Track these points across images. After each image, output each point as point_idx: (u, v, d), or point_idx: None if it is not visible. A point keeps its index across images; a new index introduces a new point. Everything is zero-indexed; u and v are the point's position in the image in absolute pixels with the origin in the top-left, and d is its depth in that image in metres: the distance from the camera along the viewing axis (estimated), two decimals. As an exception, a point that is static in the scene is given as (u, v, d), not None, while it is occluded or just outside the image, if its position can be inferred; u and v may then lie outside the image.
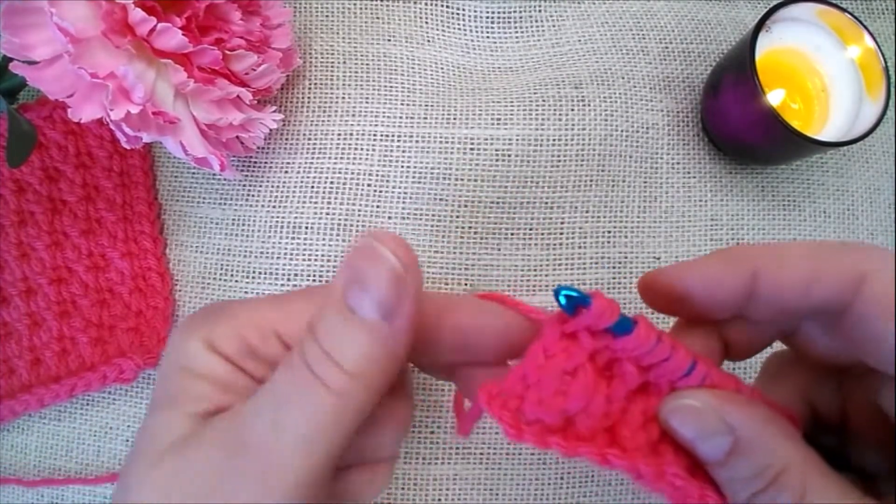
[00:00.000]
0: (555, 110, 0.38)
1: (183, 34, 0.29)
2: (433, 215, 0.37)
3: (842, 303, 0.19)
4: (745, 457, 0.19)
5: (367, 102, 0.38)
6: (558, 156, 0.38)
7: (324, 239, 0.37)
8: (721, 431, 0.19)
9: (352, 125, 0.38)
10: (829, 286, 0.19)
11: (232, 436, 0.18)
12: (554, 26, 0.41)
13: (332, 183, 0.37)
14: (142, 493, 0.18)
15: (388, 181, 0.37)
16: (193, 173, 0.39)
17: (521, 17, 0.41)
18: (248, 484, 0.17)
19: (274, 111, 0.35)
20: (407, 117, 0.38)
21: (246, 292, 0.37)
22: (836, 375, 0.22)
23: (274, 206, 0.38)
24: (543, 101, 0.38)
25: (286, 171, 0.38)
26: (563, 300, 0.19)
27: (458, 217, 0.37)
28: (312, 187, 0.37)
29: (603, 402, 0.19)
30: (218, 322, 0.20)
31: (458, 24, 0.41)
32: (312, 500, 0.18)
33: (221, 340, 0.20)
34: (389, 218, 0.37)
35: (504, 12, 0.41)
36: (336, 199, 0.37)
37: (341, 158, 0.38)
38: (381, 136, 0.38)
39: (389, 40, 0.40)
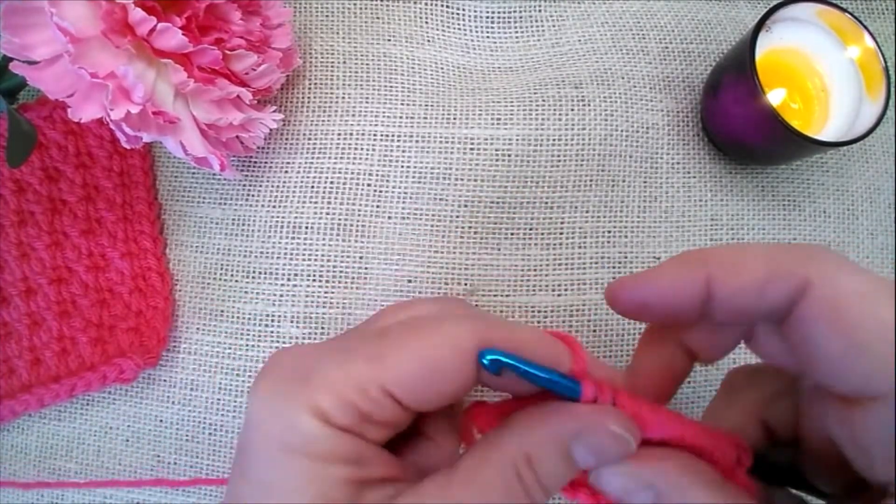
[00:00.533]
0: (555, 110, 0.38)
1: (183, 34, 0.29)
2: (433, 215, 0.37)
3: (787, 308, 0.19)
4: None
5: (367, 102, 0.38)
6: (558, 156, 0.38)
7: (324, 239, 0.37)
8: (642, 488, 0.21)
9: (352, 125, 0.38)
10: (780, 290, 0.19)
11: None
12: (554, 26, 0.41)
13: (332, 183, 0.37)
14: None
15: (388, 181, 0.37)
16: (193, 173, 0.39)
17: (521, 17, 0.41)
18: None
19: (274, 111, 0.35)
20: (407, 117, 0.38)
21: (246, 292, 0.37)
22: (792, 393, 0.23)
23: (274, 206, 0.38)
24: (543, 101, 0.38)
25: (286, 171, 0.38)
26: (486, 362, 0.20)
27: (458, 217, 0.37)
28: (312, 187, 0.37)
29: None
30: (319, 391, 0.18)
31: (458, 24, 0.41)
32: None
33: (336, 413, 0.18)
34: (389, 218, 0.37)
35: (504, 12, 0.41)
36: (336, 199, 0.37)
37: (341, 158, 0.38)
38: (381, 136, 0.38)
39: (389, 40, 0.40)
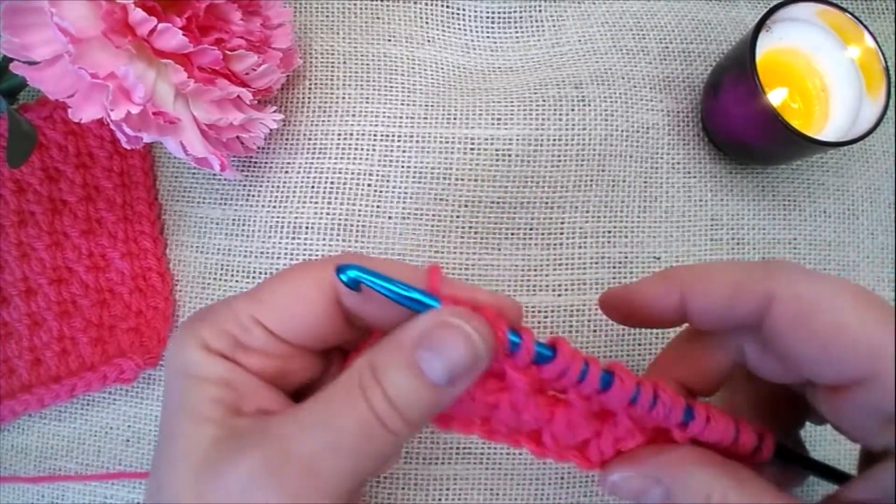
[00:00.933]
0: (555, 110, 0.38)
1: (183, 34, 0.29)
2: (433, 215, 0.37)
3: (759, 319, 0.22)
4: (678, 498, 0.22)
5: (367, 102, 0.38)
6: (558, 156, 0.38)
7: (324, 239, 0.37)
8: (652, 485, 0.22)
9: (352, 125, 0.38)
10: (746, 303, 0.22)
11: (272, 446, 0.19)
12: (554, 26, 0.41)
13: (332, 183, 0.37)
14: (184, 497, 0.19)
15: (388, 181, 0.37)
16: (193, 173, 0.39)
17: (521, 17, 0.41)
18: (287, 492, 0.18)
19: (274, 111, 0.35)
20: (407, 117, 0.38)
21: (246, 292, 0.37)
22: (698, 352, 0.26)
23: (274, 206, 0.38)
24: (543, 101, 0.38)
25: (286, 171, 0.38)
26: (343, 278, 0.20)
27: (458, 217, 0.37)
28: (312, 187, 0.37)
29: (511, 407, 0.22)
30: (204, 324, 0.22)
31: (458, 24, 0.41)
32: None
33: (213, 340, 0.21)
34: (389, 218, 0.37)
35: (504, 12, 0.41)
36: (336, 199, 0.37)
37: (341, 158, 0.38)
38: (381, 136, 0.38)
39: (389, 40, 0.40)
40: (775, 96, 0.35)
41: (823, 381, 0.22)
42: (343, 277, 0.20)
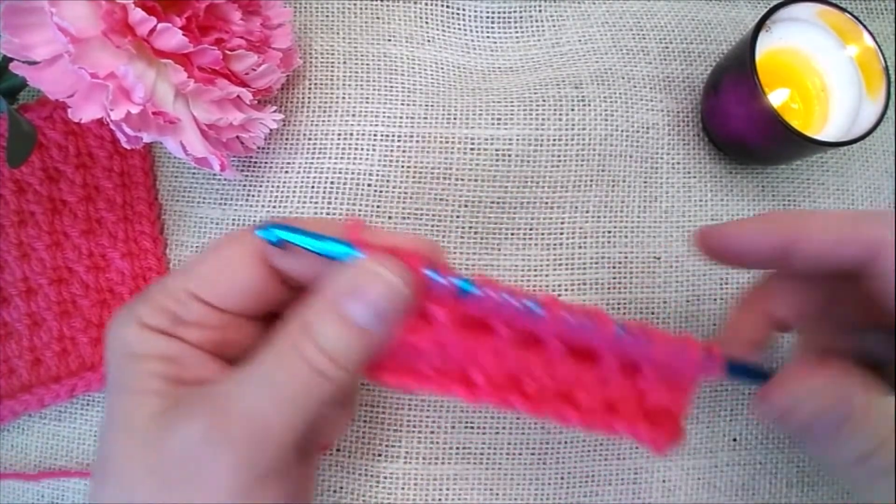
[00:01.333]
0: (555, 110, 0.38)
1: (183, 34, 0.29)
2: (433, 215, 0.37)
3: (862, 266, 0.22)
4: (861, 422, 0.21)
5: (367, 102, 0.38)
6: (558, 156, 0.38)
7: (324, 239, 0.37)
8: (838, 406, 0.21)
9: (352, 125, 0.38)
10: (849, 251, 0.22)
11: (215, 406, 0.20)
12: (554, 26, 0.41)
13: (332, 183, 0.37)
14: (130, 468, 0.20)
15: (388, 181, 0.37)
16: (193, 173, 0.39)
17: (521, 17, 0.41)
18: (235, 447, 0.19)
19: (274, 111, 0.35)
20: (407, 117, 0.38)
21: (246, 292, 0.37)
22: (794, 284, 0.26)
23: (274, 206, 0.38)
24: (543, 101, 0.38)
25: (286, 171, 0.38)
26: (266, 235, 0.21)
27: (458, 217, 0.37)
28: (312, 187, 0.37)
29: (436, 344, 0.22)
30: (140, 303, 0.22)
31: (458, 24, 0.41)
32: (286, 473, 0.21)
33: (149, 317, 0.22)
34: (389, 218, 0.37)
35: (504, 12, 0.41)
36: (336, 199, 0.37)
37: (341, 158, 0.38)
38: (381, 136, 0.38)
39: (389, 40, 0.40)
40: (777, 97, 0.35)
41: None
42: (265, 235, 0.21)
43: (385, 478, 0.35)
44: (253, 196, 0.38)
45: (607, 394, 0.23)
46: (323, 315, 0.20)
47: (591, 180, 0.38)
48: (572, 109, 0.38)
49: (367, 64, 0.39)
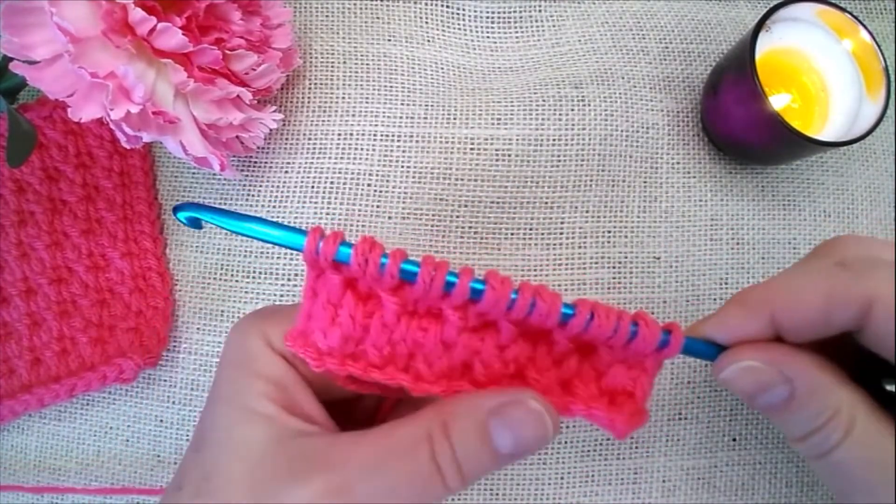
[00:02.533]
0: (555, 110, 0.38)
1: (183, 34, 0.29)
2: (433, 215, 0.37)
3: (857, 326, 0.21)
4: (803, 404, 0.21)
5: (367, 102, 0.38)
6: (558, 156, 0.38)
7: (324, 239, 0.37)
8: (779, 383, 0.21)
9: (352, 125, 0.38)
10: (843, 315, 0.21)
11: (337, 478, 0.20)
12: (554, 26, 0.41)
13: (332, 183, 0.37)
14: (235, 493, 0.20)
15: (388, 181, 0.37)
16: (193, 173, 0.39)
17: (521, 17, 0.41)
18: None
19: (274, 111, 0.35)
20: (407, 117, 0.38)
21: (246, 292, 0.37)
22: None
23: (274, 206, 0.38)
24: (543, 101, 0.38)
25: (286, 171, 0.38)
26: (181, 217, 0.21)
27: (458, 217, 0.37)
28: (312, 187, 0.37)
29: (383, 329, 0.22)
30: (271, 322, 0.22)
31: (458, 24, 0.41)
32: None
33: (276, 339, 0.22)
34: (389, 218, 0.37)
35: (504, 12, 0.41)
36: (336, 199, 0.37)
37: (341, 158, 0.38)
38: (381, 136, 0.38)
39: (389, 40, 0.40)
40: (779, 100, 0.35)
41: None
42: (181, 217, 0.21)
43: (385, 478, 0.35)
44: (253, 196, 0.38)
45: (561, 374, 0.23)
46: (468, 424, 0.20)
47: (591, 180, 0.38)
48: (572, 109, 0.38)
49: (367, 64, 0.39)
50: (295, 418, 0.21)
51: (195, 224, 0.21)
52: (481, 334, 0.22)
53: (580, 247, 0.37)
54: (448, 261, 0.21)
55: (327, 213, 0.37)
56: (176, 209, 0.21)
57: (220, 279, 0.37)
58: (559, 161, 0.38)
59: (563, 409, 0.23)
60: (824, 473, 0.22)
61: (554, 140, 0.38)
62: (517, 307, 0.21)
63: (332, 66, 0.39)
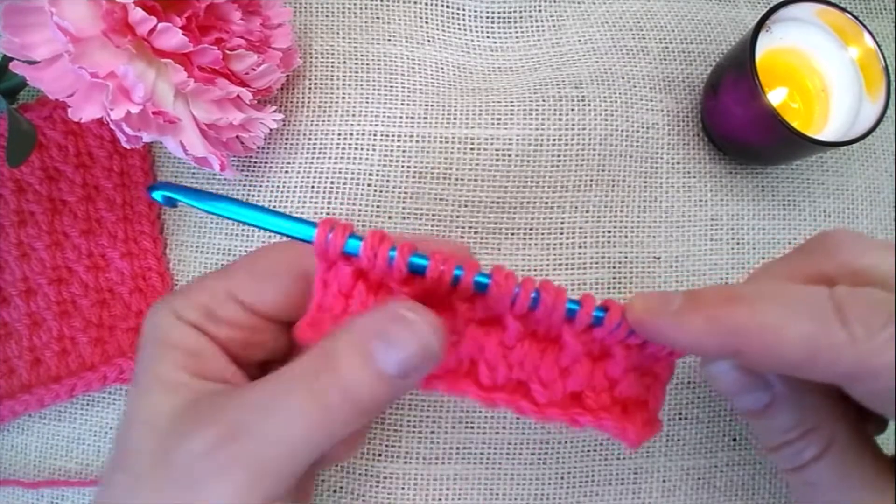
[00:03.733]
0: (555, 110, 0.38)
1: (183, 34, 0.29)
2: (433, 215, 0.37)
3: (841, 385, 0.19)
4: (782, 411, 0.20)
5: (367, 102, 0.38)
6: (558, 156, 0.38)
7: (324, 239, 0.37)
8: (761, 387, 0.21)
9: (352, 125, 0.38)
10: (824, 374, 0.18)
11: (227, 420, 0.20)
12: (554, 26, 0.41)
13: (332, 183, 0.37)
14: (142, 463, 0.20)
15: (388, 181, 0.37)
16: (193, 173, 0.39)
17: (521, 17, 0.41)
18: (238, 470, 0.19)
19: (274, 111, 0.35)
20: (407, 117, 0.38)
21: (246, 292, 0.37)
22: None
23: (274, 206, 0.38)
24: (543, 101, 0.38)
25: (286, 171, 0.38)
26: (158, 197, 0.22)
27: (458, 217, 0.37)
28: (312, 187, 0.37)
29: None
30: (178, 296, 0.23)
31: (458, 24, 0.41)
32: (287, 495, 0.21)
33: (183, 310, 0.23)
34: (390, 218, 0.37)
35: (504, 12, 0.41)
36: (336, 199, 0.37)
37: (341, 158, 0.38)
38: (381, 136, 0.38)
39: (389, 40, 0.40)
40: (775, 96, 0.35)
41: None
42: (156, 196, 0.22)
43: (385, 478, 0.35)
44: (253, 196, 0.38)
45: (570, 385, 0.22)
46: (349, 349, 0.20)
47: (591, 180, 0.38)
48: (572, 109, 0.38)
49: (367, 64, 0.39)
50: (208, 382, 0.22)
51: (170, 202, 0.22)
52: (486, 328, 0.22)
53: (580, 247, 0.37)
54: (455, 251, 0.22)
55: (327, 213, 0.37)
56: (151, 188, 0.22)
57: (220, 279, 0.37)
58: (559, 161, 0.38)
59: (570, 420, 0.23)
60: (795, 486, 0.22)
61: (554, 140, 0.38)
62: (520, 300, 0.21)
63: (332, 66, 0.39)
